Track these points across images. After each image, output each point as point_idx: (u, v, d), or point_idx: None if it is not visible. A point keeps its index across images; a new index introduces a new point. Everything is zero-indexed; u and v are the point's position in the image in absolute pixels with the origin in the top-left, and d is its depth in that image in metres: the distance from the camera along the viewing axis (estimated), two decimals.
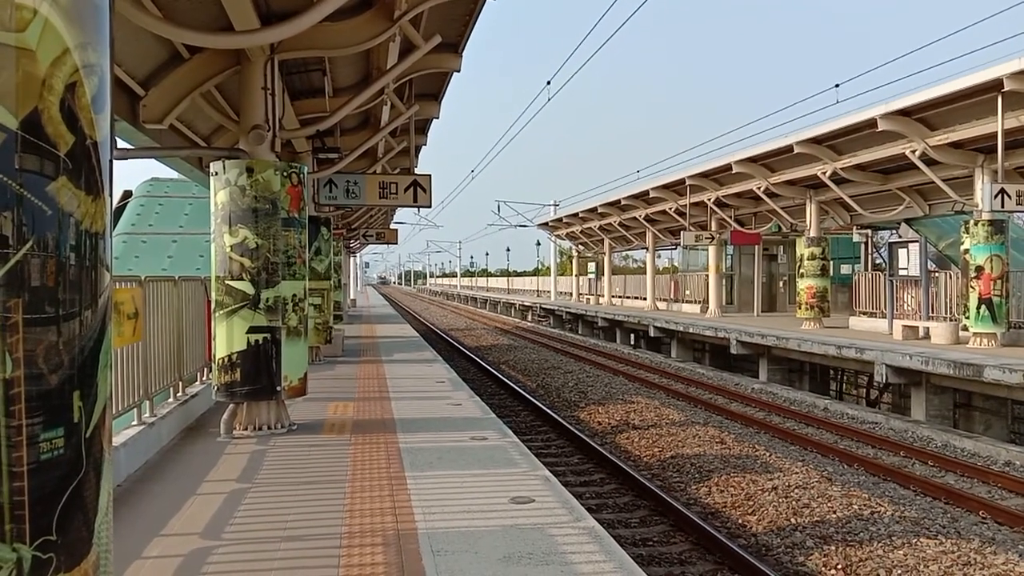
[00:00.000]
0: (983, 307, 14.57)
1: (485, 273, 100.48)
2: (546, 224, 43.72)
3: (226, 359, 7.27)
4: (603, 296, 38.32)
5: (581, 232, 39.03)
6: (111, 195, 1.61)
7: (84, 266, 1.48)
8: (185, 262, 19.21)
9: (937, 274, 17.78)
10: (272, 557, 4.19)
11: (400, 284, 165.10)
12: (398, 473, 5.89)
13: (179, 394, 8.15)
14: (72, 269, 1.44)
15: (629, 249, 39.77)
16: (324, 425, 7.90)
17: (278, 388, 7.47)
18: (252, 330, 7.25)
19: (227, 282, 7.25)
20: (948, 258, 19.73)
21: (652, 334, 25.25)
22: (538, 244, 66.10)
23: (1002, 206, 13.67)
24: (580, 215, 36.36)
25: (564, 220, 39.95)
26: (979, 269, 14.60)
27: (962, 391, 13.17)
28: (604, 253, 38.03)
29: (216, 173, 7.31)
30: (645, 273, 34.32)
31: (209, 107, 8.91)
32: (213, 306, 7.45)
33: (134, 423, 6.60)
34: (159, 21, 6.38)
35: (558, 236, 44.42)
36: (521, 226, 49.01)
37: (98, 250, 1.53)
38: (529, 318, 43.08)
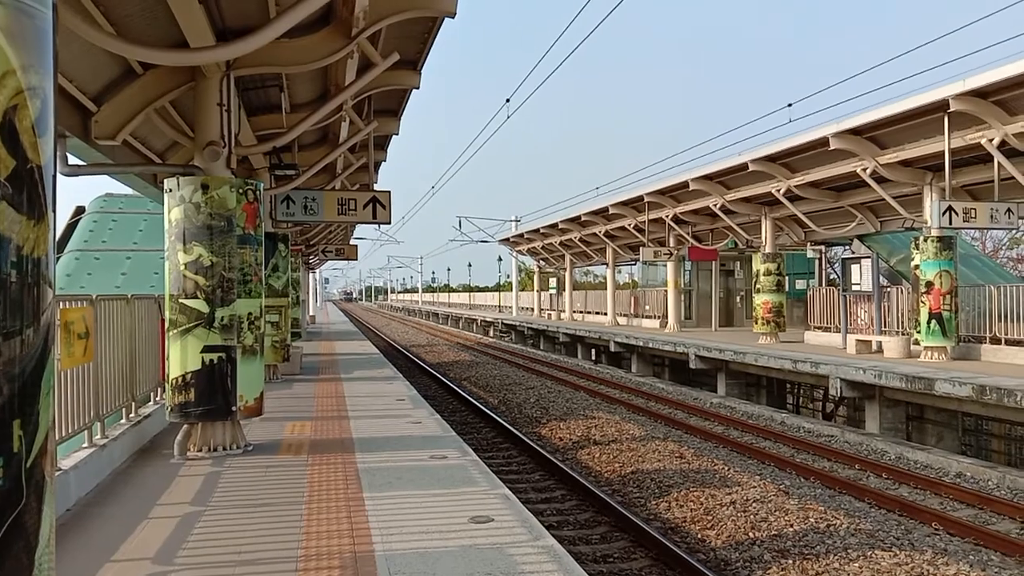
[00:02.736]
0: (933, 321, 14.91)
1: (447, 288, 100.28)
2: (507, 240, 43.80)
3: (180, 379, 7.14)
4: (564, 311, 38.45)
5: (542, 248, 39.17)
6: (55, 214, 1.58)
7: (25, 290, 1.45)
8: (139, 279, 18.86)
9: (889, 289, 18.17)
10: None
11: (361, 300, 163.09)
12: (356, 494, 5.83)
13: (132, 415, 7.98)
14: (12, 294, 1.41)
15: (590, 264, 39.99)
16: (281, 445, 7.79)
17: (233, 408, 7.35)
18: (207, 349, 7.14)
19: (181, 300, 7.13)
20: (899, 274, 20.17)
21: (613, 349, 25.40)
22: (500, 260, 66.25)
23: (950, 223, 14.02)
24: (541, 231, 36.51)
25: (525, 236, 40.07)
26: (929, 284, 14.95)
27: (914, 404, 13.44)
28: (565, 268, 38.20)
29: (170, 190, 7.21)
30: (606, 288, 34.53)
31: (163, 123, 8.78)
32: (167, 325, 7.32)
33: (85, 445, 6.45)
34: (112, 38, 6.29)
35: (519, 252, 44.51)
36: (483, 242, 49.11)
37: (40, 273, 1.50)
38: (491, 334, 43.04)
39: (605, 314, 33.25)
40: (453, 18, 7.77)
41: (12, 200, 1.40)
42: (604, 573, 6.65)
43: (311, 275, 47.17)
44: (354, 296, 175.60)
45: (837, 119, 15.36)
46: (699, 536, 7.57)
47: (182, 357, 7.14)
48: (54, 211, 1.57)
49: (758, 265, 21.15)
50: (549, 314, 42.21)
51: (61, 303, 5.85)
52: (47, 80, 1.50)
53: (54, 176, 1.57)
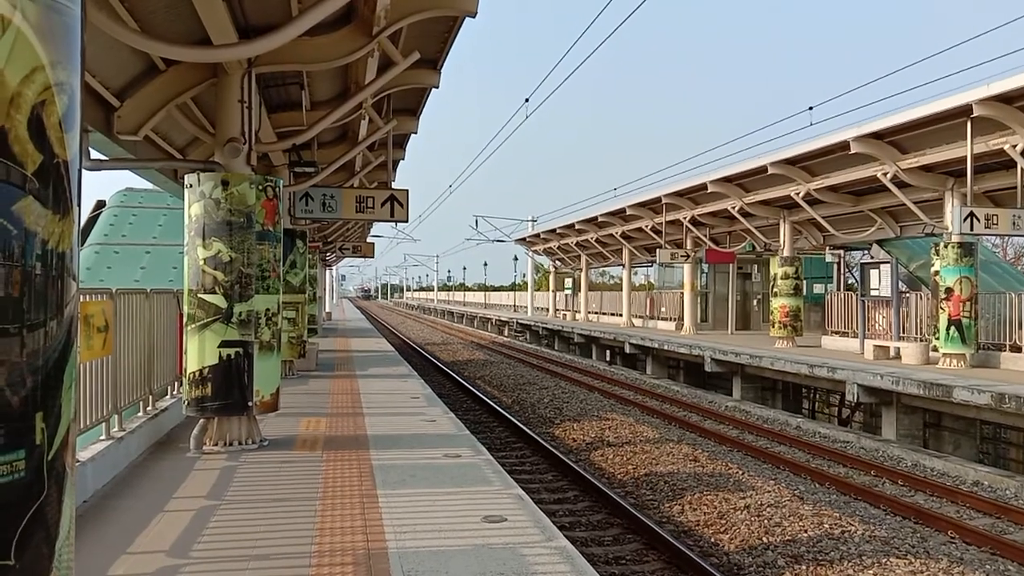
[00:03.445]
0: (952, 328, 14.77)
1: (462, 287, 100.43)
2: (524, 239, 43.81)
3: (197, 373, 7.19)
4: (579, 312, 38.40)
5: (558, 248, 39.15)
6: (80, 209, 1.60)
7: (49, 282, 1.46)
8: (158, 274, 19.00)
9: (908, 295, 18.02)
10: None
11: (377, 297, 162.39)
12: (370, 491, 5.85)
13: (149, 408, 8.04)
14: (37, 286, 1.43)
15: (606, 265, 39.94)
16: (296, 441, 7.83)
17: (249, 403, 7.39)
18: (224, 344, 7.18)
19: (200, 295, 7.18)
20: (919, 279, 20.00)
21: (628, 351, 25.34)
22: (515, 259, 66.20)
23: (971, 229, 13.89)
24: (558, 231, 36.48)
25: (542, 236, 40.06)
26: (949, 291, 14.81)
27: (932, 411, 13.32)
28: (581, 269, 38.15)
29: (191, 185, 7.26)
30: (621, 290, 34.47)
31: (185, 119, 8.85)
32: (185, 319, 7.37)
33: (102, 437, 6.50)
34: (136, 34, 6.34)
35: (535, 251, 44.52)
36: (499, 241, 49.09)
37: (64, 266, 1.52)
38: (506, 333, 43.06)
39: (620, 315, 33.18)
40: (474, 17, 7.78)
41: (38, 194, 1.41)
42: (616, 575, 6.64)
43: (328, 272, 47.38)
44: (372, 293, 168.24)
45: (858, 123, 15.26)
46: (712, 540, 7.54)
47: (200, 352, 7.19)
48: (79, 206, 1.59)
49: (776, 268, 21.04)
50: (564, 314, 42.18)
51: (81, 296, 5.91)
52: (74, 76, 1.51)
53: (79, 171, 1.58)
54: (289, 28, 6.45)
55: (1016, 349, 14.68)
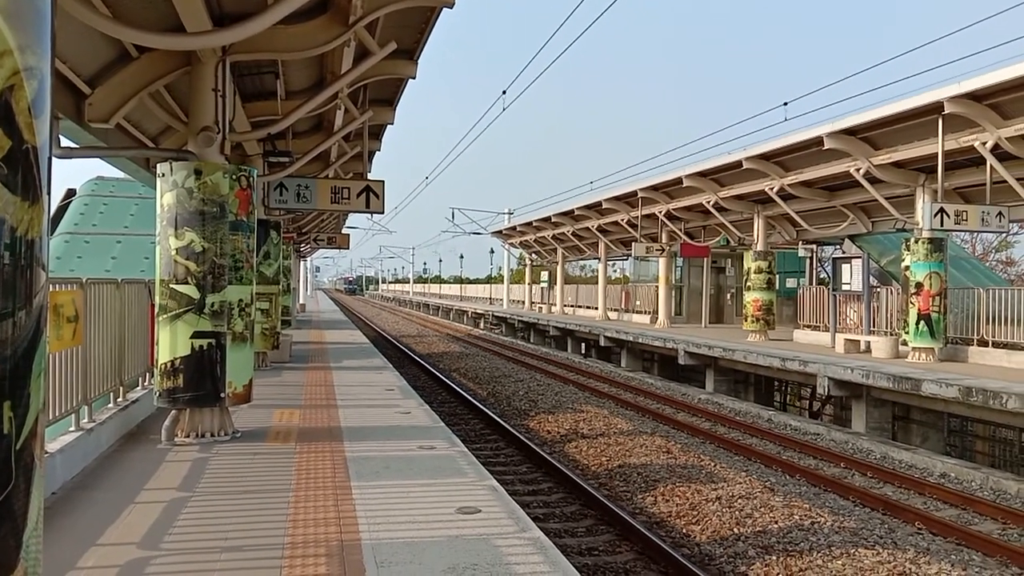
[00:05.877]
0: (922, 323, 14.99)
1: (438, 280, 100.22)
2: (500, 232, 43.79)
3: (169, 364, 7.12)
4: (555, 305, 38.48)
5: (535, 241, 39.18)
6: (50, 196, 1.58)
7: (18, 271, 1.44)
8: (129, 264, 18.76)
9: (879, 289, 18.25)
10: (212, 568, 4.11)
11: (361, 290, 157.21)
12: (343, 482, 5.83)
13: (119, 399, 7.95)
14: (5, 275, 1.40)
15: (582, 259, 40.06)
16: (269, 433, 7.78)
17: (222, 395, 7.34)
18: (196, 335, 7.12)
19: (172, 286, 7.11)
20: (889, 274, 20.26)
21: (603, 343, 25.45)
22: (492, 252, 66.26)
23: (941, 225, 14.08)
24: (534, 224, 36.52)
25: (518, 228, 40.05)
26: (919, 285, 15.03)
27: (901, 404, 13.53)
28: (557, 262, 38.22)
29: (163, 175, 7.17)
30: (597, 283, 34.58)
31: (157, 107, 8.74)
32: (157, 310, 7.30)
33: (72, 429, 6.43)
34: (108, 20, 6.25)
35: (512, 244, 44.51)
36: (475, 233, 49.07)
37: (34, 255, 1.49)
38: (481, 326, 43.06)
39: (596, 308, 33.30)
40: (451, 8, 7.75)
41: (7, 181, 1.39)
42: (590, 566, 6.68)
43: (302, 263, 47.05)
44: (356, 286, 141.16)
45: (832, 119, 15.42)
46: (684, 531, 7.61)
47: (171, 342, 7.12)
48: (49, 194, 1.57)
49: (749, 263, 21.22)
50: (540, 307, 42.23)
51: (51, 286, 5.82)
52: (44, 61, 1.49)
53: (49, 158, 1.56)
54: (264, 16, 6.39)
55: (983, 343, 14.93)
